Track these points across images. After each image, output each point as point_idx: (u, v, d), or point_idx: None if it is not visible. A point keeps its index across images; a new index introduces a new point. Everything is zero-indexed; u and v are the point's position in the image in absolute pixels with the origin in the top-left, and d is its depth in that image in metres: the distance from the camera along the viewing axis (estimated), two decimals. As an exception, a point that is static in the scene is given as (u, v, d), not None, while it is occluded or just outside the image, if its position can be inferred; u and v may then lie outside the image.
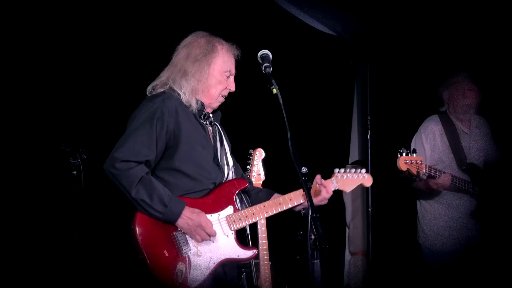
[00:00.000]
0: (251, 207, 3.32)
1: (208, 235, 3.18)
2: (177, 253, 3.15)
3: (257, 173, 4.25)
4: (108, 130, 3.45)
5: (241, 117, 5.33)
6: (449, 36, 5.35)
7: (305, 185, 2.90)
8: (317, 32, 5.59)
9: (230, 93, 3.42)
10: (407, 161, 4.32)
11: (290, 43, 5.46)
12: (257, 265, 4.19)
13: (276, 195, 3.45)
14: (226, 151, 3.42)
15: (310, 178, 3.25)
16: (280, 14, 5.35)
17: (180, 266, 3.12)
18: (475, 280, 4.57)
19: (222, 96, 3.39)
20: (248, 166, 4.24)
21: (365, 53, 5.68)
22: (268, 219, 4.22)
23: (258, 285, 4.18)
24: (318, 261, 2.79)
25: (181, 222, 3.16)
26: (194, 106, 3.29)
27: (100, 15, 4.79)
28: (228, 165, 3.40)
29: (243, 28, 5.19)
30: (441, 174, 4.44)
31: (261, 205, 3.33)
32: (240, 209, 3.34)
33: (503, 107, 5.03)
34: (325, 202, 3.37)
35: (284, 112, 2.94)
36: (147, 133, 3.16)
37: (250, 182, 3.62)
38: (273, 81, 3.02)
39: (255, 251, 3.35)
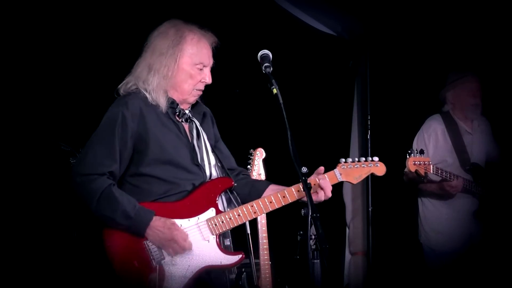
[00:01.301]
0: (236, 208, 3.11)
1: (182, 249, 2.98)
2: (149, 263, 2.97)
3: (258, 173, 4.25)
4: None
5: (241, 117, 5.33)
6: (448, 36, 5.35)
7: (306, 185, 2.87)
8: (317, 32, 5.58)
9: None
10: (416, 162, 4.31)
11: (290, 43, 5.45)
12: (257, 265, 4.19)
13: (272, 186, 3.24)
14: (207, 148, 3.19)
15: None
16: (280, 14, 5.34)
17: (152, 277, 2.93)
18: (476, 280, 4.58)
19: (197, 90, 3.16)
20: (248, 166, 4.24)
21: (365, 53, 5.68)
22: (269, 219, 4.23)
23: (258, 285, 4.18)
24: (318, 261, 2.77)
25: (150, 234, 2.97)
26: (163, 104, 3.07)
27: (102, 14, 4.78)
28: (209, 163, 3.17)
29: (243, 28, 5.19)
30: (448, 174, 4.44)
31: (248, 205, 3.10)
32: (227, 210, 3.14)
33: (503, 107, 5.03)
34: (323, 197, 3.12)
35: (284, 112, 2.89)
36: (108, 142, 2.98)
37: (243, 174, 3.40)
38: (273, 81, 2.96)
39: (240, 256, 3.11)
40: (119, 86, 3.15)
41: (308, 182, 2.91)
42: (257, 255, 4.19)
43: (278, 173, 3.89)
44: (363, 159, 3.28)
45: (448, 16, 5.23)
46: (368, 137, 5.56)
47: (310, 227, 2.74)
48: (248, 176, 3.45)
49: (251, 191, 3.26)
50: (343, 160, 3.25)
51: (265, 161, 4.32)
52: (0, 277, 4.49)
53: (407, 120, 5.40)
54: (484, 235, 4.65)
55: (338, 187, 5.88)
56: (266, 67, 3.01)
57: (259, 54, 3.06)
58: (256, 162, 4.27)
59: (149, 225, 2.96)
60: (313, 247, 2.75)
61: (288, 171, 3.05)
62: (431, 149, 4.67)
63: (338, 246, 5.93)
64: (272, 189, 3.24)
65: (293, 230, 2.95)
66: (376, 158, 3.30)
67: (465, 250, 4.61)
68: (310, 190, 2.89)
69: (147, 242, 2.99)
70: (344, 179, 3.25)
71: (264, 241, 4.21)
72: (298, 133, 3.47)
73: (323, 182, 3.14)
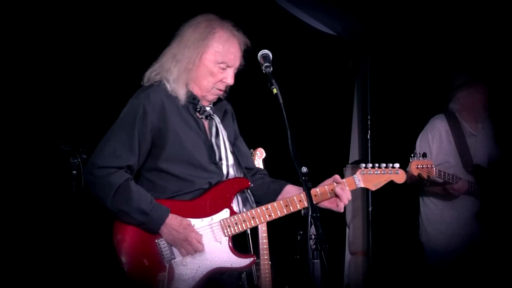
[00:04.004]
0: (250, 210, 3.07)
1: (194, 251, 2.96)
2: (159, 262, 2.94)
3: (257, 172, 4.24)
4: (108, 130, 3.41)
5: (241, 117, 5.31)
6: (449, 36, 5.35)
7: (305, 184, 2.86)
8: (317, 31, 5.59)
9: (230, 93, 3.33)
10: (419, 166, 4.30)
11: (290, 43, 5.45)
12: (257, 265, 4.19)
13: (288, 187, 3.19)
14: (226, 147, 3.16)
15: (310, 178, 3.22)
16: (280, 14, 5.34)
17: (161, 276, 2.90)
18: (476, 280, 4.58)
19: (217, 89, 3.13)
20: (248, 166, 4.24)
21: (365, 53, 5.68)
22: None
23: (258, 284, 4.18)
24: (318, 261, 2.77)
25: (165, 232, 2.95)
26: (182, 97, 3.03)
27: (101, 12, 4.78)
28: (227, 162, 3.14)
29: (243, 28, 5.18)
30: (451, 177, 4.44)
31: (263, 207, 3.07)
32: (243, 209, 3.13)
33: (504, 108, 5.03)
34: (342, 207, 3.08)
35: (284, 112, 2.88)
36: (127, 135, 2.95)
37: (260, 174, 3.36)
38: (273, 81, 2.94)
39: (252, 259, 3.08)
40: (145, 73, 3.12)
41: (308, 182, 2.89)
42: (257, 255, 4.19)
43: (278, 173, 3.89)
44: (384, 165, 3.20)
45: (448, 15, 5.23)
46: (368, 137, 5.56)
47: (310, 227, 2.73)
48: (266, 176, 3.39)
49: (266, 192, 3.23)
50: (363, 165, 3.18)
51: (265, 161, 4.31)
52: (0, 277, 4.49)
53: (407, 120, 5.40)
54: (485, 236, 4.65)
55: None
56: (266, 67, 3.00)
57: (259, 54, 3.05)
58: (256, 162, 4.27)
59: (164, 223, 2.95)
60: (313, 247, 2.74)
61: (288, 171, 3.05)
62: (435, 149, 4.66)
63: (338, 246, 5.93)
64: (287, 191, 3.20)
65: (293, 230, 2.95)
66: (397, 165, 3.22)
67: (466, 250, 4.61)
68: (310, 190, 2.88)
69: (158, 240, 2.97)
70: (363, 185, 3.18)
71: (264, 241, 4.21)
72: (298, 133, 3.47)
73: (338, 190, 3.09)
